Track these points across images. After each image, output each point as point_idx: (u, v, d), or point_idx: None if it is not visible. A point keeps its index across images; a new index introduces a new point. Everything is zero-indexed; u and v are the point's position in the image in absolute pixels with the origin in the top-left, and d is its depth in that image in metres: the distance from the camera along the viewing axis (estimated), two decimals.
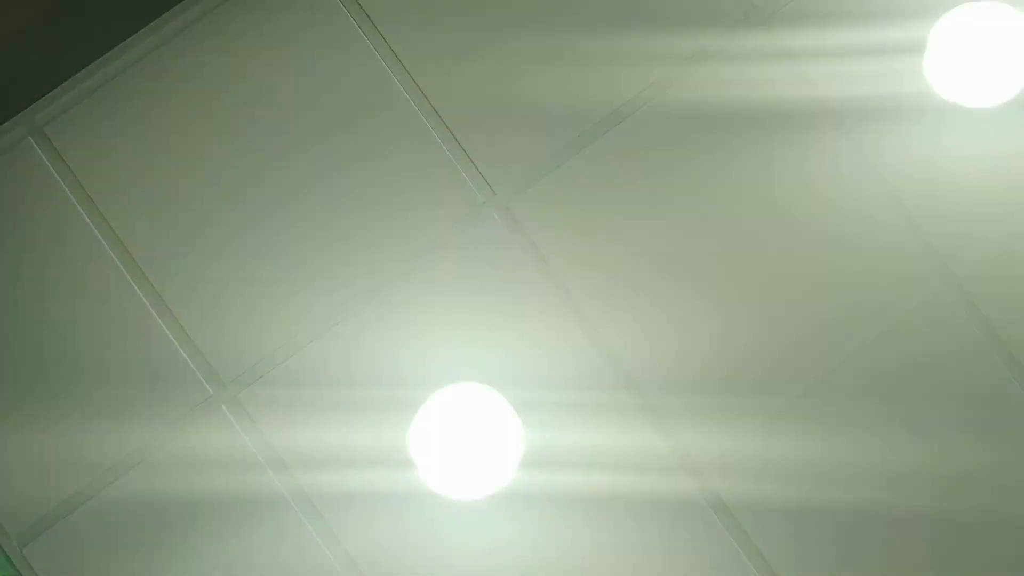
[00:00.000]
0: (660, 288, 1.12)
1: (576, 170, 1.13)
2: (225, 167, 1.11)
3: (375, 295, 1.11)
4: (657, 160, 1.13)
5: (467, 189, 1.12)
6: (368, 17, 1.13)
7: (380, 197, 1.12)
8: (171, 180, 1.11)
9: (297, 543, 1.09)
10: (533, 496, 1.11)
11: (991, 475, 1.14)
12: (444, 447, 1.06)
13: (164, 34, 1.12)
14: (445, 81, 1.13)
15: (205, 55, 1.11)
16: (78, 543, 1.08)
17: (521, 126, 1.13)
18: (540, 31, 1.13)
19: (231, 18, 1.12)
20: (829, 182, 1.14)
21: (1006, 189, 1.15)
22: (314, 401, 1.10)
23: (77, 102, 1.11)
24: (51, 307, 1.09)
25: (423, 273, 1.12)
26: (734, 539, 1.12)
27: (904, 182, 1.14)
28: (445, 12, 1.13)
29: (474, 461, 1.06)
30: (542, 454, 1.11)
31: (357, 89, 1.12)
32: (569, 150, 1.13)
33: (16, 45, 1.05)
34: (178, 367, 1.10)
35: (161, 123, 1.11)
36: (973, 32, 1.10)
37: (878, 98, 1.15)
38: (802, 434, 1.12)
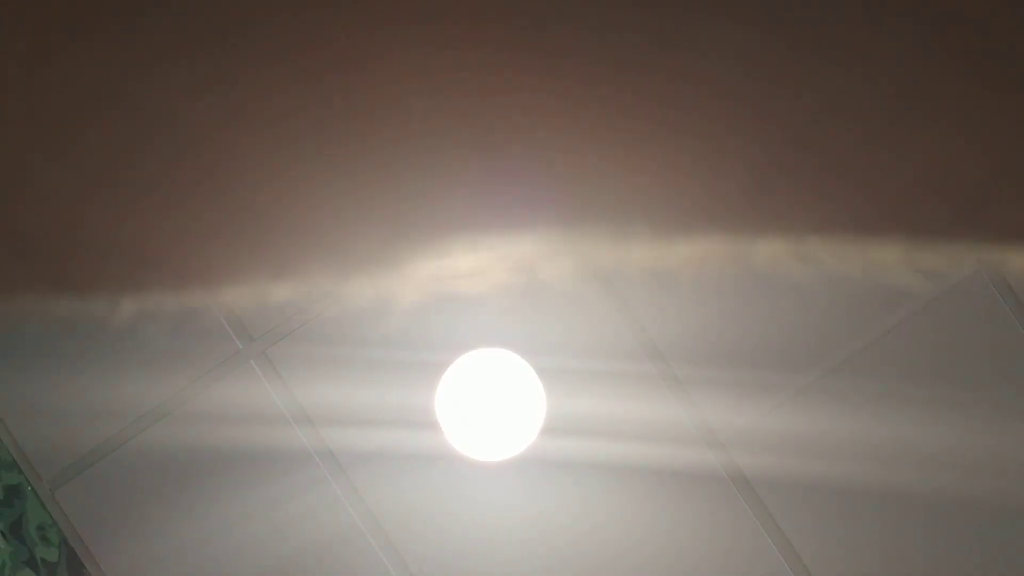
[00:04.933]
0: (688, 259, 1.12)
1: None
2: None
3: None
4: None
5: None
6: None
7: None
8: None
9: (320, 498, 1.11)
10: (554, 461, 1.11)
11: (1020, 459, 1.12)
12: (468, 410, 1.06)
13: None
14: None
15: None
16: (108, 489, 1.11)
17: None
18: None
19: None
20: None
21: None
22: (342, 359, 1.11)
23: None
24: None
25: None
26: (754, 513, 1.12)
27: None
28: None
29: (497, 425, 1.07)
30: (564, 420, 1.11)
31: None
32: None
33: None
34: (207, 321, 1.11)
35: None
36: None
37: None
38: (827, 411, 1.12)
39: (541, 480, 1.11)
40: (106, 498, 1.11)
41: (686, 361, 1.12)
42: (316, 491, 1.11)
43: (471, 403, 1.07)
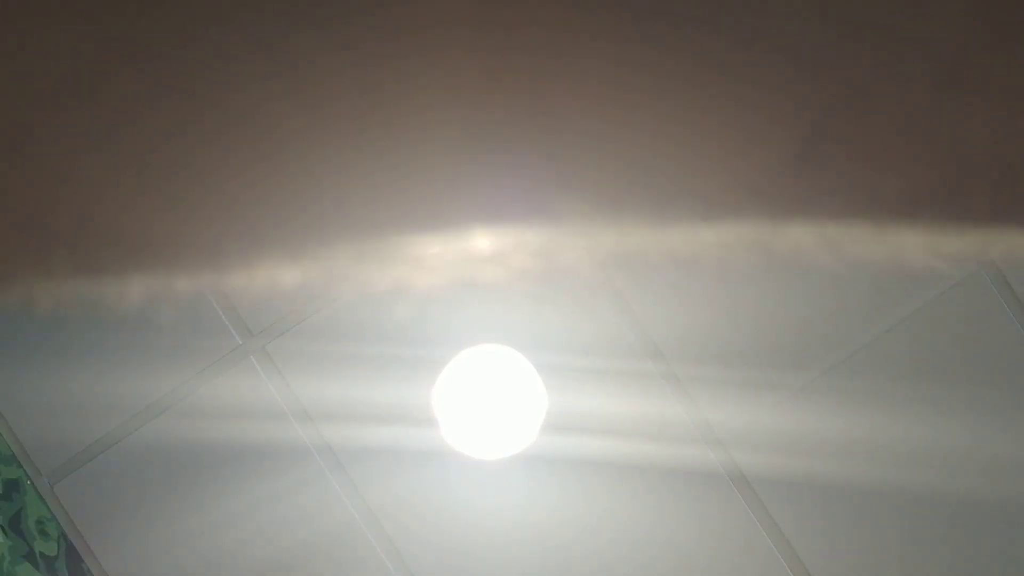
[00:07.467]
0: (688, 257, 1.12)
1: None
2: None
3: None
4: None
5: None
6: None
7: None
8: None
9: (319, 494, 1.11)
10: (552, 459, 1.11)
11: (1019, 461, 1.12)
12: (467, 407, 1.06)
13: None
14: None
15: None
16: (107, 483, 1.11)
17: None
18: None
19: None
20: None
21: None
22: (342, 356, 1.11)
23: None
24: None
25: None
26: (752, 512, 1.12)
27: None
28: None
29: (496, 422, 1.07)
30: (563, 418, 1.11)
31: None
32: None
33: None
34: (208, 316, 1.11)
35: None
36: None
37: None
38: (826, 410, 1.12)
39: (541, 478, 1.11)
40: (105, 493, 1.11)
41: (686, 359, 1.12)
42: (315, 487, 1.11)
43: (471, 400, 1.07)
